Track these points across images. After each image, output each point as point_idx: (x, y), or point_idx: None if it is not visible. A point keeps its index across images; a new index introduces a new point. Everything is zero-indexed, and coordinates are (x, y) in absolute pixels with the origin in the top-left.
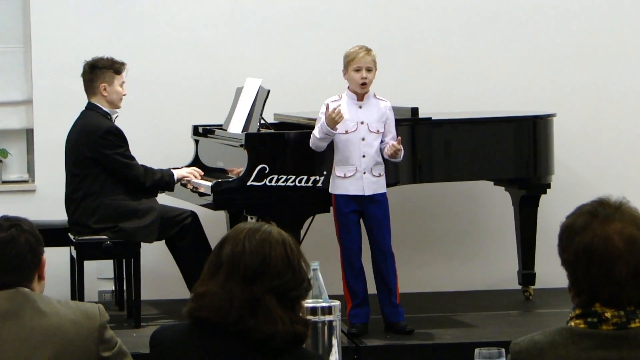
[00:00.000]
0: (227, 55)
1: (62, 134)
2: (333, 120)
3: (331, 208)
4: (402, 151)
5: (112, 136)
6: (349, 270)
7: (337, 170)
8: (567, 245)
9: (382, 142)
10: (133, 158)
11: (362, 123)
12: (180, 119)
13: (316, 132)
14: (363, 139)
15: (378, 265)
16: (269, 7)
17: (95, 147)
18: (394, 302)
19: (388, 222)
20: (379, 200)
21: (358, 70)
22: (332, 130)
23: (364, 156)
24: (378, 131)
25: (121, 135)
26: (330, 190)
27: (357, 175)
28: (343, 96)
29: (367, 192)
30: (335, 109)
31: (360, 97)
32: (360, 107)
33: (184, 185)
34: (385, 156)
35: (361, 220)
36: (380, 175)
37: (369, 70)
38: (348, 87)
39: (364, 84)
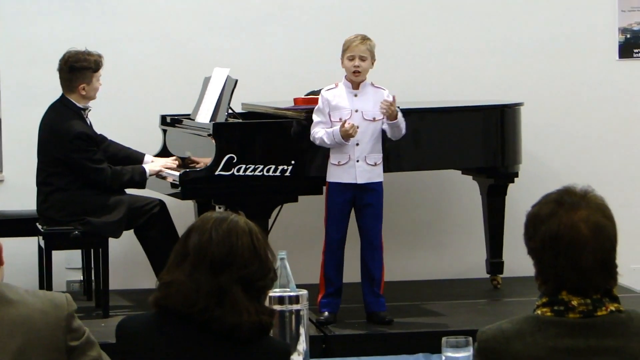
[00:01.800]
0: (195, 45)
1: (30, 125)
2: (349, 135)
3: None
4: (399, 112)
5: (80, 141)
6: (329, 259)
7: (332, 158)
8: (533, 234)
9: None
10: (101, 161)
11: (356, 111)
12: (149, 109)
13: (324, 137)
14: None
15: (365, 254)
16: None
17: (64, 150)
18: (377, 292)
19: (380, 212)
20: (373, 190)
21: (351, 58)
22: (346, 143)
23: (357, 144)
24: (374, 119)
25: (90, 139)
26: (327, 177)
27: (350, 163)
28: (340, 84)
29: (360, 181)
30: (352, 125)
31: (356, 85)
32: (356, 95)
33: (163, 178)
34: (386, 124)
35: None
36: (375, 164)
37: (362, 59)
38: (345, 76)
39: (355, 72)
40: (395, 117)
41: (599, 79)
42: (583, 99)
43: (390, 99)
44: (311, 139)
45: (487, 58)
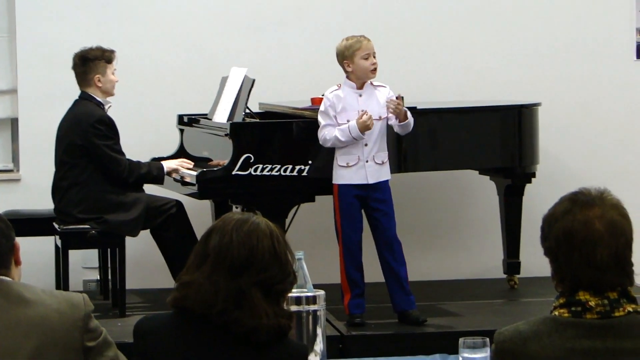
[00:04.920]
0: (212, 45)
1: (47, 124)
2: (367, 127)
3: (332, 198)
4: (408, 111)
5: (103, 125)
6: (349, 261)
7: (340, 160)
8: (548, 233)
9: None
10: (121, 152)
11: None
12: (166, 108)
13: (338, 134)
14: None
15: (384, 255)
16: None
17: (86, 135)
18: (406, 289)
19: (392, 209)
20: (382, 188)
21: (367, 57)
22: (363, 136)
23: (366, 145)
24: (380, 117)
25: (112, 126)
26: (334, 180)
27: (360, 164)
28: (342, 86)
29: (371, 181)
30: (370, 115)
31: (360, 85)
32: (361, 95)
33: (168, 174)
34: (393, 121)
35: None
36: (383, 163)
37: (374, 56)
38: (347, 77)
39: (374, 70)
40: (405, 117)
41: (616, 80)
42: (600, 100)
43: (393, 96)
44: (321, 142)
45: (504, 58)
